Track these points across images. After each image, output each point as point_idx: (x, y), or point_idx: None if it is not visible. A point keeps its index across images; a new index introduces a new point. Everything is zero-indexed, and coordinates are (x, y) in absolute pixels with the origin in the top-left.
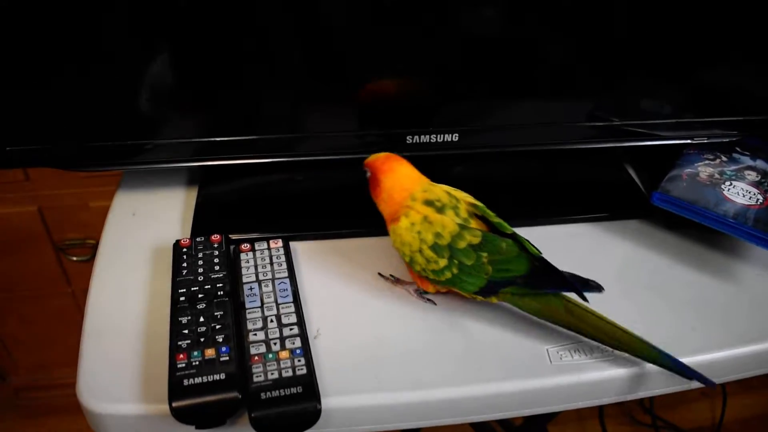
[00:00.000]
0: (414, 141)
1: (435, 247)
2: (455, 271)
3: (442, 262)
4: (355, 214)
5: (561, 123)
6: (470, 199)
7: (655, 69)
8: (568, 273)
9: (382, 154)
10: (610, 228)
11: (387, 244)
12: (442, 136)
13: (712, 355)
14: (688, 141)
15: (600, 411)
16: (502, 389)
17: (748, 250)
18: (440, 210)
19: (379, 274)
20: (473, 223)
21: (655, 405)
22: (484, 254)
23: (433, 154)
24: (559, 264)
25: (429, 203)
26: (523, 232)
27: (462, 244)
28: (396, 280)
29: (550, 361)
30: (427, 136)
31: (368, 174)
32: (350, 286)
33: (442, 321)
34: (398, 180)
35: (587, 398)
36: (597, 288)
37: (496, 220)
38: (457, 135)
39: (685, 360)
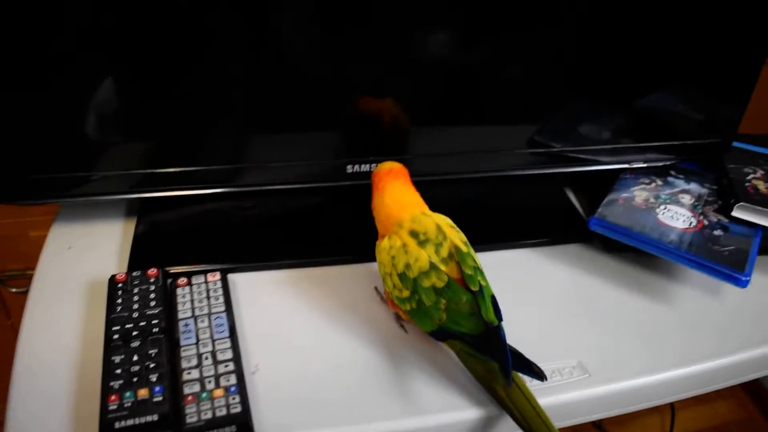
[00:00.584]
0: (354, 170)
1: (402, 277)
2: (414, 305)
3: (405, 293)
4: (299, 244)
5: (501, 150)
6: (458, 240)
7: (594, 96)
8: (517, 351)
9: (385, 167)
10: (550, 253)
11: (331, 275)
12: None
13: (649, 378)
14: (625, 166)
15: None
16: (440, 421)
17: (683, 273)
18: (422, 243)
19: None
20: (450, 266)
21: (606, 421)
22: (444, 300)
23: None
24: (500, 290)
25: (414, 234)
26: None
27: (426, 283)
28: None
29: None
30: (368, 165)
31: None
32: (293, 318)
33: (383, 355)
34: (387, 203)
35: None
36: (539, 375)
37: (469, 272)
38: None
39: (625, 384)
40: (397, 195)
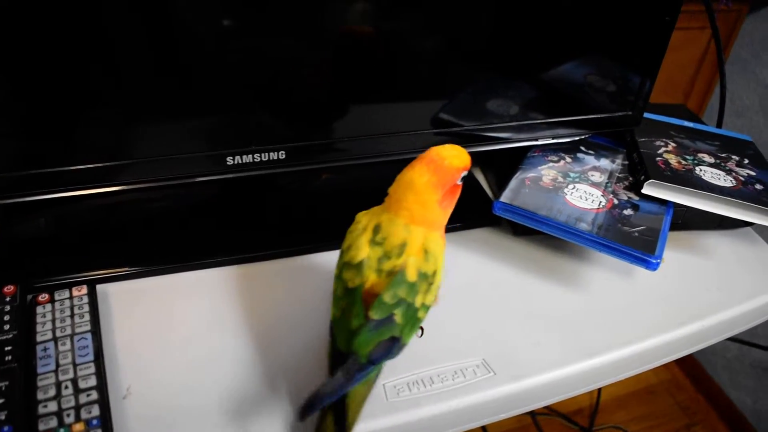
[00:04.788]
0: (236, 162)
1: (340, 254)
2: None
3: (336, 272)
4: (181, 245)
5: (405, 131)
6: (413, 267)
7: (499, 71)
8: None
9: (437, 148)
10: (456, 239)
11: (217, 278)
12: (266, 154)
13: (557, 373)
14: (533, 143)
15: None
16: None
17: (594, 254)
18: (375, 243)
19: None
20: (381, 280)
21: None
22: (343, 303)
23: (261, 173)
24: None
25: (376, 230)
26: None
27: (345, 275)
28: None
29: (387, 398)
30: (250, 156)
31: None
32: (174, 330)
33: (270, 366)
34: (417, 185)
35: None
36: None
37: (386, 299)
38: (283, 153)
39: (531, 380)
40: (431, 192)
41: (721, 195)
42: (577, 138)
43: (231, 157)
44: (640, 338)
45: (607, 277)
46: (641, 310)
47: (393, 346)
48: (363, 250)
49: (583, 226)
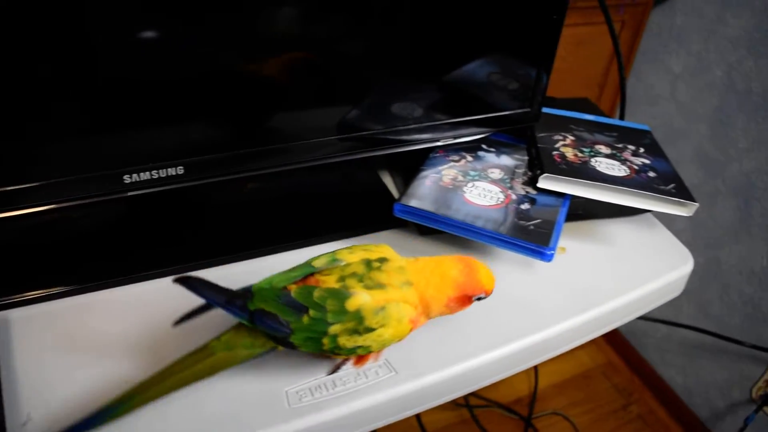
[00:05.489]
0: (133, 180)
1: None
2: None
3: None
4: (84, 266)
5: (306, 140)
6: (363, 302)
7: (400, 75)
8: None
9: (478, 262)
10: (362, 242)
11: (126, 295)
12: (165, 170)
13: (460, 366)
14: (433, 144)
15: None
16: None
17: (497, 249)
18: (370, 265)
19: None
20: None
21: None
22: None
23: (162, 189)
24: None
25: (383, 259)
26: (276, 258)
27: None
28: None
29: (289, 404)
30: (148, 173)
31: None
32: (77, 355)
33: (189, 389)
34: (434, 261)
35: None
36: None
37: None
38: (182, 168)
39: (433, 377)
40: (451, 285)
41: (613, 184)
42: (478, 137)
43: (128, 175)
44: (541, 327)
45: (509, 270)
46: (544, 300)
47: (280, 329)
48: (353, 257)
49: (481, 222)
